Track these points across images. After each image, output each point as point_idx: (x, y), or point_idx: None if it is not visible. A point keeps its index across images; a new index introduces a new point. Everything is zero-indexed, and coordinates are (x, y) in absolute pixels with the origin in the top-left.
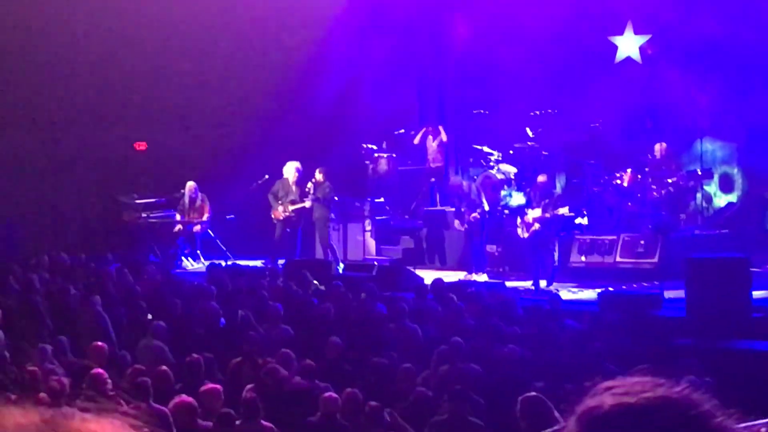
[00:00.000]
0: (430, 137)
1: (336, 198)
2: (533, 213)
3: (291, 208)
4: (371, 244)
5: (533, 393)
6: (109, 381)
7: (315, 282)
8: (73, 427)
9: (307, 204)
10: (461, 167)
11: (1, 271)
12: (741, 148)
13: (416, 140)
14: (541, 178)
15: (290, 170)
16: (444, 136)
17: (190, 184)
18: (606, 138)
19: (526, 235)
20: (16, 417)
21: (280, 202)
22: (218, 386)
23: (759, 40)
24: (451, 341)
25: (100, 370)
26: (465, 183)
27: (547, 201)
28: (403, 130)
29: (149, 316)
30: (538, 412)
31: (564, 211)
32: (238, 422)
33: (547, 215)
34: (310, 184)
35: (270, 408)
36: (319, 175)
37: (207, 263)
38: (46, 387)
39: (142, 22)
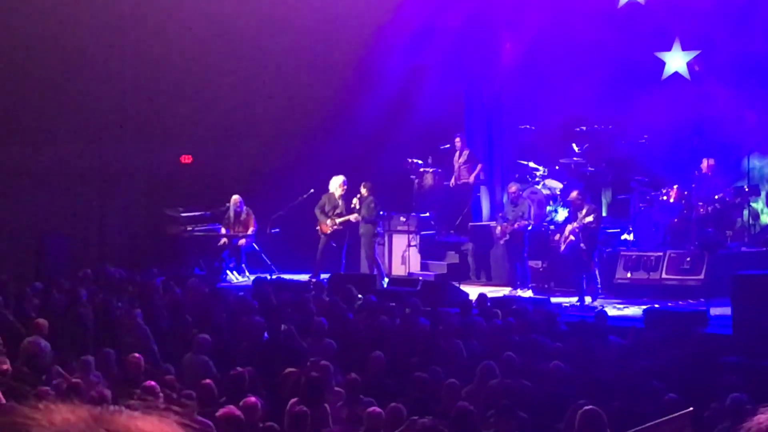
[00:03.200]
0: (457, 153)
1: (381, 212)
2: (569, 227)
3: (338, 221)
4: (416, 258)
5: (591, 407)
6: (162, 395)
7: (360, 296)
8: (120, 423)
9: (353, 218)
10: (506, 183)
11: (48, 284)
12: None
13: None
14: (573, 195)
15: (336, 184)
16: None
17: (235, 198)
18: (652, 154)
19: (563, 247)
20: (65, 413)
21: (327, 216)
22: (256, 400)
23: None
24: (503, 357)
25: (152, 383)
26: (524, 192)
27: (582, 213)
28: (448, 145)
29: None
30: (596, 427)
31: (589, 219)
32: None
33: (575, 225)
34: (355, 200)
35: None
36: (364, 190)
37: (252, 277)
38: (88, 398)
39: (188, 37)
